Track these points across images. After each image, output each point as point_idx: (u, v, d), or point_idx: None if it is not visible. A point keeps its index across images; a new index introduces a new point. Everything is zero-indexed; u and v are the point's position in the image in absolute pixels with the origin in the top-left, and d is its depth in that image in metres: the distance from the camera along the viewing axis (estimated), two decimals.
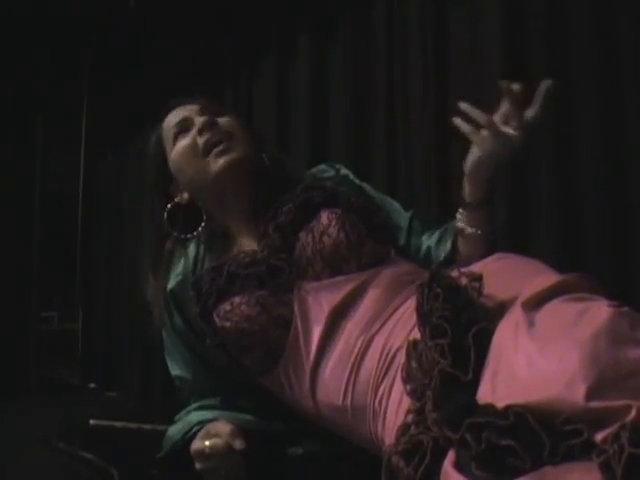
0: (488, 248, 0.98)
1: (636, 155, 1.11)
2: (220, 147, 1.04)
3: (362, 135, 1.61)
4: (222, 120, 1.08)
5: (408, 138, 1.49)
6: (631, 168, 1.12)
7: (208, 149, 1.04)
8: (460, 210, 0.99)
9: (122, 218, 2.71)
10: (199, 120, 1.06)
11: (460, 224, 0.99)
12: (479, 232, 0.98)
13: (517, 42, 1.28)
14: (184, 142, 1.07)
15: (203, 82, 2.13)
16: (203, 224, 1.10)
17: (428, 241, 1.09)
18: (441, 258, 1.05)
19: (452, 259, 1.04)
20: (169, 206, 1.10)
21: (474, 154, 0.94)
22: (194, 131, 1.06)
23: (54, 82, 2.93)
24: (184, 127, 1.08)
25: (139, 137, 2.57)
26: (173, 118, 1.11)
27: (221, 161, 1.04)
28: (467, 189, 0.98)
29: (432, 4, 1.44)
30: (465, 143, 0.94)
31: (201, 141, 1.05)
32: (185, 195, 1.10)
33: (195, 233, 1.10)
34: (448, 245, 1.05)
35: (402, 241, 1.10)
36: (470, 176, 0.96)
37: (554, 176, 1.21)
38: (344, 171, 1.16)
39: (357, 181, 1.15)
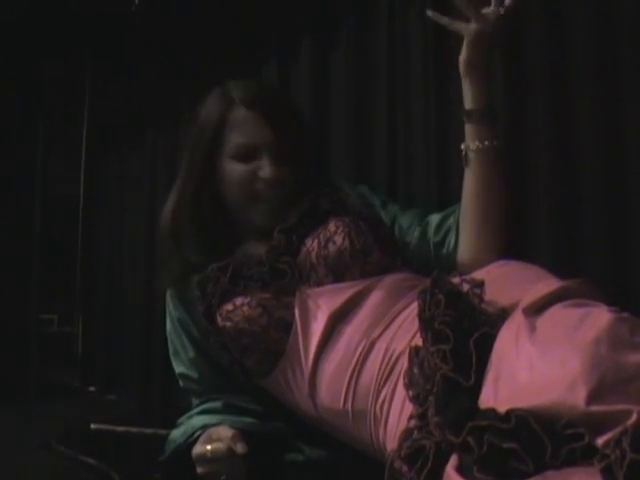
0: (499, 169, 0.97)
1: (636, 155, 1.11)
2: (274, 207, 1.04)
3: (363, 136, 1.61)
4: (287, 178, 1.04)
5: (410, 138, 1.49)
6: (631, 168, 1.12)
7: (264, 201, 1.04)
8: (466, 128, 0.97)
9: (123, 221, 2.70)
10: (267, 167, 1.02)
11: (466, 143, 0.97)
12: (487, 144, 0.96)
13: (517, 42, 1.28)
14: (242, 170, 1.03)
15: (203, 82, 2.13)
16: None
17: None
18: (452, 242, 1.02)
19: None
20: (205, 200, 1.08)
21: (463, 50, 0.96)
22: (257, 164, 1.03)
23: (55, 83, 2.93)
24: (249, 153, 1.03)
25: (141, 140, 2.57)
26: (241, 130, 1.04)
27: (264, 219, 1.05)
28: (466, 95, 0.98)
29: (433, 6, 1.44)
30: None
31: (260, 187, 1.03)
32: (214, 188, 1.08)
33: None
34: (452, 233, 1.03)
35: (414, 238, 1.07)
36: (466, 75, 0.97)
37: (554, 177, 1.21)
38: (351, 184, 1.17)
39: (375, 197, 1.14)
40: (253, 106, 1.04)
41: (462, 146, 0.98)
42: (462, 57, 0.97)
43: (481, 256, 0.97)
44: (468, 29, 0.94)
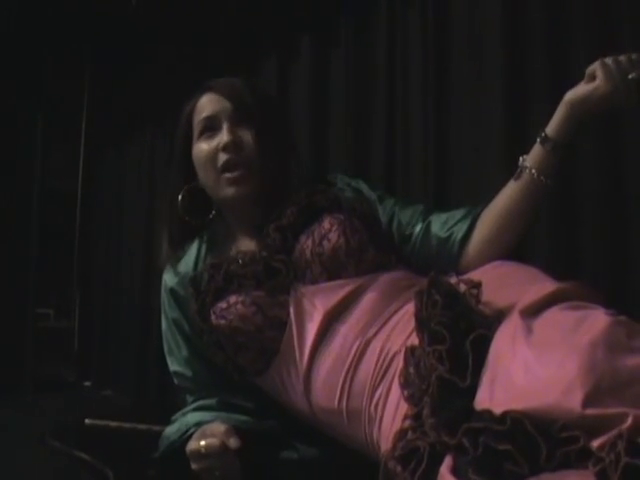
0: (539, 202, 0.95)
1: (635, 154, 1.11)
2: (236, 174, 1.04)
3: (362, 135, 1.61)
4: (247, 138, 1.05)
5: (408, 137, 1.49)
6: (630, 167, 1.12)
7: (224, 169, 1.04)
8: (536, 147, 0.93)
9: (121, 216, 2.70)
10: (225, 133, 1.04)
11: (526, 161, 0.93)
12: (542, 179, 0.93)
13: (517, 42, 1.28)
14: (206, 146, 1.06)
15: (202, 80, 2.13)
16: (212, 212, 1.11)
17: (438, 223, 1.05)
18: (459, 237, 1.00)
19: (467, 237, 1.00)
20: (184, 189, 1.10)
21: (591, 87, 0.87)
22: (218, 139, 1.05)
23: (54, 80, 2.92)
24: (211, 125, 1.07)
25: (139, 136, 2.57)
26: (205, 105, 1.08)
27: (231, 190, 1.04)
28: (555, 122, 0.91)
29: (433, 5, 1.44)
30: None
31: (221, 159, 1.04)
32: (197, 183, 1.10)
33: (204, 219, 1.11)
34: (466, 224, 1.01)
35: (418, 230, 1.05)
36: (571, 109, 0.89)
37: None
38: (346, 179, 1.15)
39: (371, 192, 1.13)
40: (216, 88, 1.09)
41: (521, 159, 0.95)
42: (581, 92, 0.88)
43: (490, 251, 0.97)
44: (607, 85, 0.86)
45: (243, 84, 1.11)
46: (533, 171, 0.93)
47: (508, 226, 0.97)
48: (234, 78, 1.13)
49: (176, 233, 1.13)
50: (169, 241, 1.14)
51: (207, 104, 1.08)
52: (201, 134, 1.07)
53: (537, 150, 0.93)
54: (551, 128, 0.92)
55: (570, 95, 0.90)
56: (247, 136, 1.05)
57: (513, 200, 0.96)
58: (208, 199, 1.11)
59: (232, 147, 1.04)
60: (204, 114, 1.07)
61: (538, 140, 0.93)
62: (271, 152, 1.06)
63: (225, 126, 1.05)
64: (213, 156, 1.05)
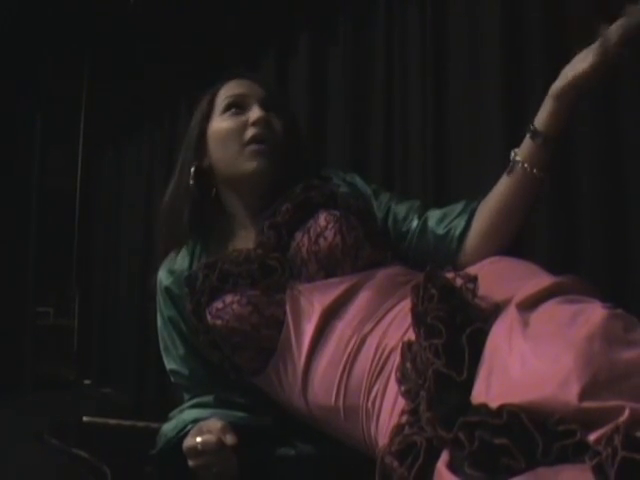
0: (534, 195, 0.93)
1: (634, 153, 1.11)
2: (262, 146, 1.04)
3: (360, 133, 1.61)
4: (277, 124, 1.06)
5: (405, 136, 1.49)
6: (629, 166, 1.12)
7: (253, 140, 1.04)
8: (526, 141, 0.91)
9: (119, 215, 2.70)
10: (257, 110, 1.05)
11: (517, 154, 0.92)
12: (534, 171, 0.91)
13: (515, 42, 1.27)
14: (232, 122, 1.06)
15: (201, 80, 2.13)
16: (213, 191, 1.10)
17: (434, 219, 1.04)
18: (457, 232, 1.00)
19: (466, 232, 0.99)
20: (193, 168, 1.08)
21: (573, 69, 0.84)
22: (247, 116, 1.05)
23: (53, 79, 2.92)
24: (239, 103, 1.07)
25: (138, 135, 2.57)
26: (234, 87, 1.09)
27: (255, 163, 1.04)
28: (543, 116, 0.89)
29: (432, 3, 1.44)
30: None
31: (250, 132, 1.04)
32: (207, 162, 1.09)
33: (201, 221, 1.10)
34: (464, 220, 1.00)
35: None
36: (557, 98, 0.87)
37: (552, 175, 1.20)
38: (341, 174, 1.15)
39: (366, 186, 1.12)
40: (245, 75, 1.11)
41: (512, 152, 0.93)
42: (571, 79, 0.85)
43: (488, 246, 0.96)
44: (592, 56, 0.82)
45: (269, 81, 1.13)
46: (525, 165, 0.91)
47: (503, 220, 0.96)
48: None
49: (177, 228, 1.11)
50: (166, 237, 1.13)
51: (237, 86, 1.09)
52: (226, 110, 1.07)
53: (527, 144, 0.91)
54: (539, 122, 0.90)
55: (557, 85, 0.87)
56: (277, 123, 1.07)
57: (507, 195, 0.95)
58: (211, 185, 1.09)
59: (264, 123, 1.04)
60: (234, 92, 1.08)
61: (528, 135, 0.91)
62: (296, 145, 1.08)
63: (256, 106, 1.06)
64: (239, 130, 1.05)
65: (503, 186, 0.95)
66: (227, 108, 1.07)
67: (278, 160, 1.05)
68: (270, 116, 1.06)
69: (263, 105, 1.06)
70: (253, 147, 1.04)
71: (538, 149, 0.91)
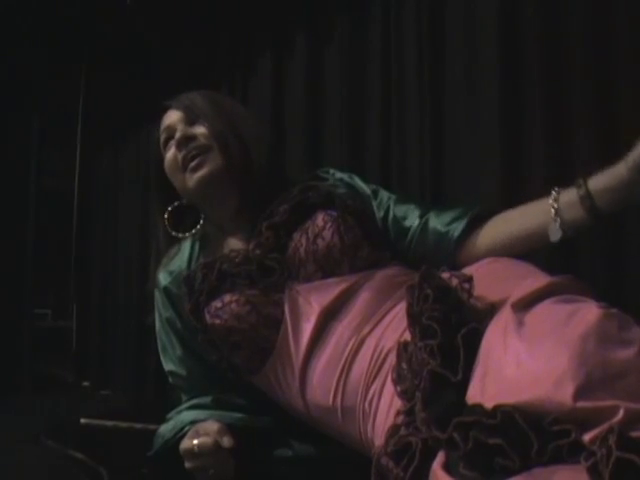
0: (545, 243, 0.89)
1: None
2: (193, 163, 1.05)
3: (357, 133, 1.61)
4: (200, 131, 1.07)
5: (402, 136, 1.49)
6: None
7: (184, 165, 1.06)
8: (571, 191, 0.84)
9: (117, 216, 2.70)
10: (177, 134, 1.08)
11: (556, 201, 0.85)
12: (565, 229, 0.85)
13: (514, 43, 1.27)
14: (169, 154, 1.10)
15: (199, 80, 2.13)
16: (200, 224, 1.12)
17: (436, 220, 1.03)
18: (455, 235, 0.98)
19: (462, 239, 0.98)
20: (169, 209, 1.13)
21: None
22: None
23: (50, 80, 2.92)
24: (170, 134, 1.10)
25: (136, 136, 2.57)
26: (164, 121, 1.13)
27: (195, 177, 1.05)
28: (604, 184, 0.81)
29: (429, 3, 1.44)
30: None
31: (180, 158, 1.07)
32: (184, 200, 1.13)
33: (191, 232, 1.13)
34: (462, 224, 0.98)
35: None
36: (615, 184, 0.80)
37: (551, 175, 1.20)
38: (338, 175, 1.14)
39: (365, 186, 1.12)
40: (172, 104, 1.13)
41: (553, 193, 0.87)
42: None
43: (489, 255, 0.94)
44: None
45: (196, 93, 1.14)
46: (558, 219, 0.85)
47: (511, 248, 0.94)
48: (191, 92, 1.15)
49: (165, 246, 1.16)
50: (157, 252, 1.17)
51: (165, 120, 1.13)
52: (164, 146, 1.11)
53: (572, 197, 0.84)
54: (601, 199, 0.81)
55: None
56: (200, 129, 1.08)
57: (526, 233, 0.92)
58: (194, 211, 1.13)
59: (184, 142, 1.06)
60: (163, 126, 1.12)
61: (577, 188, 0.83)
62: (227, 136, 1.07)
63: (177, 131, 1.08)
64: (174, 160, 1.08)
65: (527, 224, 0.92)
66: (165, 144, 1.11)
67: (215, 159, 1.06)
68: (193, 129, 1.08)
69: (187, 123, 1.09)
70: (190, 167, 1.06)
71: (580, 209, 0.84)
